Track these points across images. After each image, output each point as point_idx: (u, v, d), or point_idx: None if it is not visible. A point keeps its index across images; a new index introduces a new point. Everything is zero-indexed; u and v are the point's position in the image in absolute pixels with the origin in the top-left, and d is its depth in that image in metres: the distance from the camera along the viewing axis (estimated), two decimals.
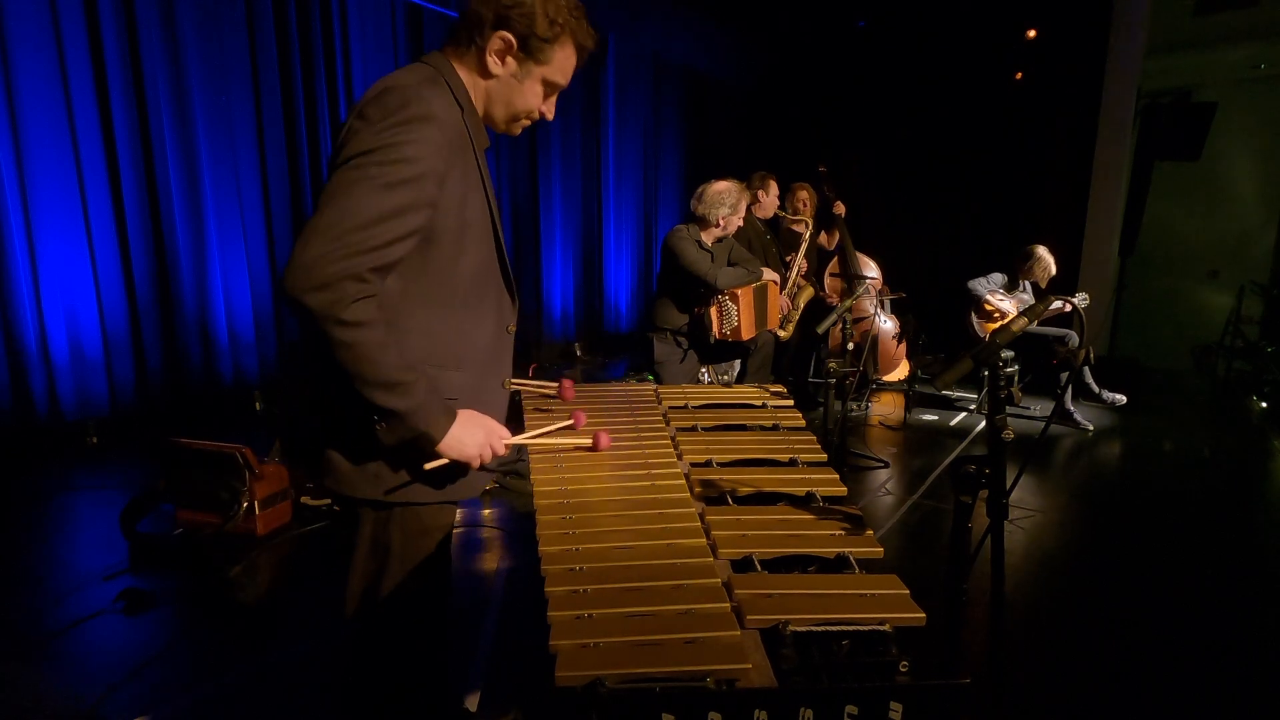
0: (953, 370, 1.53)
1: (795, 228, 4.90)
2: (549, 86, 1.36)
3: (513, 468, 3.76)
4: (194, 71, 4.24)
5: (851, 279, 5.23)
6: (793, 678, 1.03)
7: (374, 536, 1.37)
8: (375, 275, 1.16)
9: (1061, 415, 5.04)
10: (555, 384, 1.93)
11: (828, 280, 5.46)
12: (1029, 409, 5.38)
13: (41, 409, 3.89)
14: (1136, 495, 4.01)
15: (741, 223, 3.82)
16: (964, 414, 5.40)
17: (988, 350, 1.42)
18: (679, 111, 7.86)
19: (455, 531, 3.17)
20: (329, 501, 3.22)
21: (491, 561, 2.95)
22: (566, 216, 6.83)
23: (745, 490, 1.52)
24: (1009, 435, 1.35)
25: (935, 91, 7.65)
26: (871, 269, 5.52)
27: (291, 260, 1.11)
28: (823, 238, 5.31)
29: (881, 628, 1.08)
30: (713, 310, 3.65)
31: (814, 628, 1.08)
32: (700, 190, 3.69)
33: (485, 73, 1.32)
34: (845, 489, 1.54)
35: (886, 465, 4.22)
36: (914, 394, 5.38)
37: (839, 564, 1.29)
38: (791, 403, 2.03)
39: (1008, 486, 1.37)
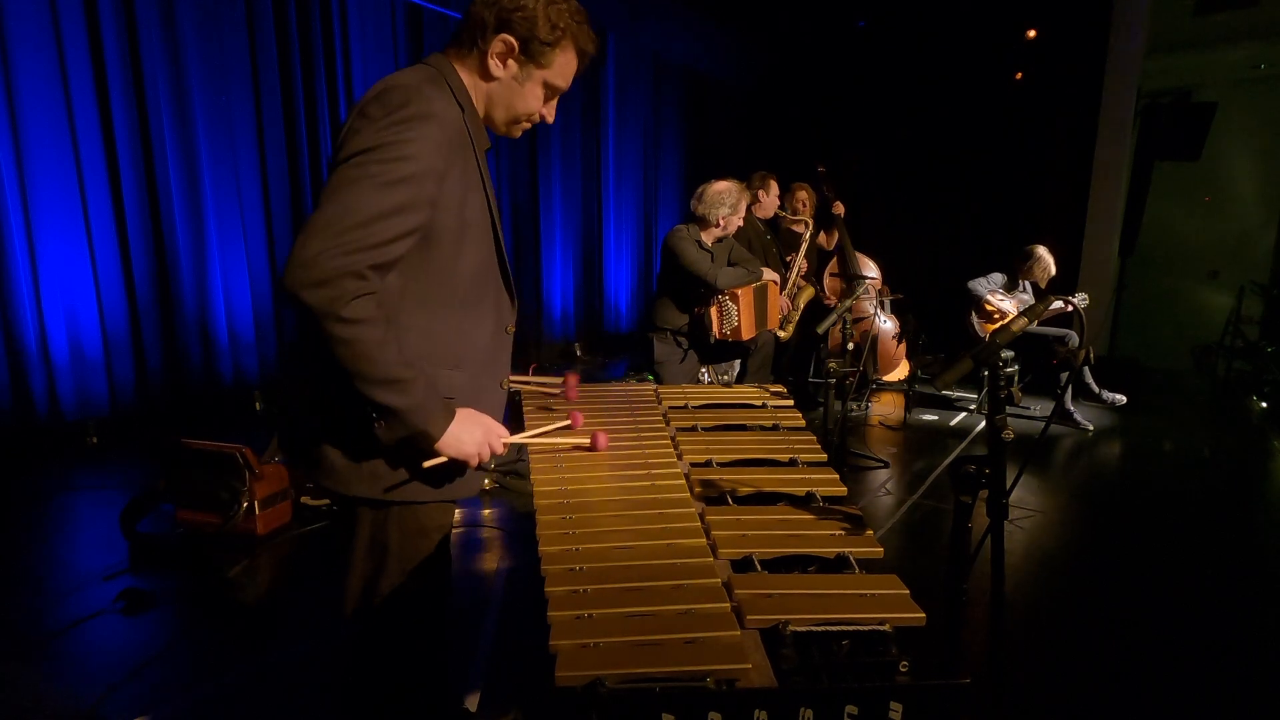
0: (953, 370, 1.53)
1: (795, 228, 4.90)
2: (549, 90, 1.37)
3: (513, 468, 3.76)
4: (194, 71, 4.24)
5: (851, 279, 5.22)
6: (793, 678, 1.03)
7: (372, 536, 1.37)
8: (374, 273, 1.16)
9: (1061, 415, 5.04)
10: (560, 380, 1.93)
11: (827, 280, 5.46)
12: (1029, 409, 5.38)
13: (41, 409, 3.89)
14: (1136, 495, 4.01)
15: (741, 223, 3.82)
16: (964, 414, 5.40)
17: (988, 350, 1.42)
18: (679, 111, 7.86)
19: (455, 531, 3.17)
20: (329, 501, 3.22)
21: (491, 561, 2.95)
22: (566, 216, 6.83)
23: (745, 490, 1.52)
24: (1009, 435, 1.35)
25: (935, 91, 7.65)
26: (871, 269, 5.52)
27: (291, 257, 1.11)
28: (822, 238, 5.31)
29: (881, 628, 1.08)
30: (713, 310, 3.66)
31: (814, 628, 1.08)
32: (700, 190, 3.69)
33: (486, 75, 1.33)
34: (845, 489, 1.54)
35: (886, 465, 4.22)
36: (914, 394, 5.38)
37: (839, 564, 1.29)
38: (791, 403, 2.03)
39: (1008, 486, 1.37)
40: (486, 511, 3.42)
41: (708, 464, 1.65)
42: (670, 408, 1.97)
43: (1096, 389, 5.49)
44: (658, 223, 7.90)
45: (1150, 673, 2.31)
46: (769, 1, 7.50)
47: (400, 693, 1.43)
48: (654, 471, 1.57)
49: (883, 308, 5.66)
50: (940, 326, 6.00)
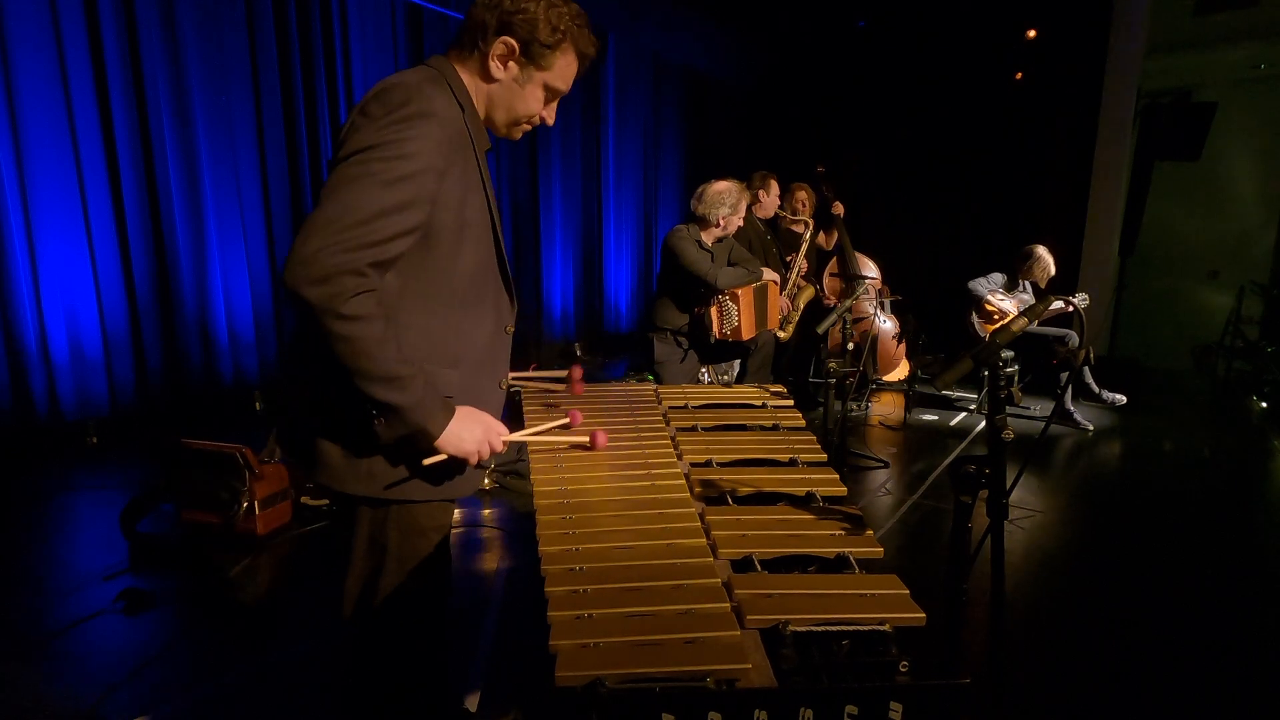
0: (953, 370, 1.53)
1: (795, 228, 4.90)
2: (550, 92, 1.38)
3: (513, 468, 3.76)
4: (194, 71, 4.24)
5: (851, 279, 5.23)
6: (793, 678, 1.03)
7: (371, 535, 1.37)
8: (374, 270, 1.17)
9: (1061, 415, 5.04)
10: (565, 373, 1.92)
11: (827, 280, 5.46)
12: (1029, 409, 5.38)
13: (41, 409, 3.89)
14: (1136, 495, 4.01)
15: (741, 223, 3.82)
16: (964, 414, 5.40)
17: (988, 350, 1.42)
18: (679, 111, 7.86)
19: (455, 531, 3.18)
20: (329, 501, 3.22)
21: (491, 561, 2.95)
22: (566, 216, 6.83)
23: (745, 490, 1.52)
24: (1009, 435, 1.35)
25: (935, 91, 7.64)
26: (871, 269, 5.52)
27: (291, 254, 1.11)
28: (821, 238, 5.32)
29: (881, 628, 1.08)
30: (713, 310, 3.66)
31: (814, 628, 1.08)
32: (700, 190, 3.69)
33: (487, 76, 1.33)
34: (845, 489, 1.54)
35: (886, 465, 4.22)
36: (914, 394, 5.38)
37: (839, 564, 1.29)
38: (791, 403, 2.03)
39: (1008, 486, 1.37)
40: (486, 511, 3.42)
41: (708, 464, 1.65)
42: (670, 408, 1.97)
43: (1096, 389, 5.49)
44: (658, 223, 7.90)
45: (1150, 673, 2.31)
46: (769, 1, 7.50)
47: (400, 693, 1.43)
48: (654, 471, 1.57)
49: (883, 308, 5.66)
50: (940, 326, 6.00)
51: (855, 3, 7.68)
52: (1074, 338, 5.17)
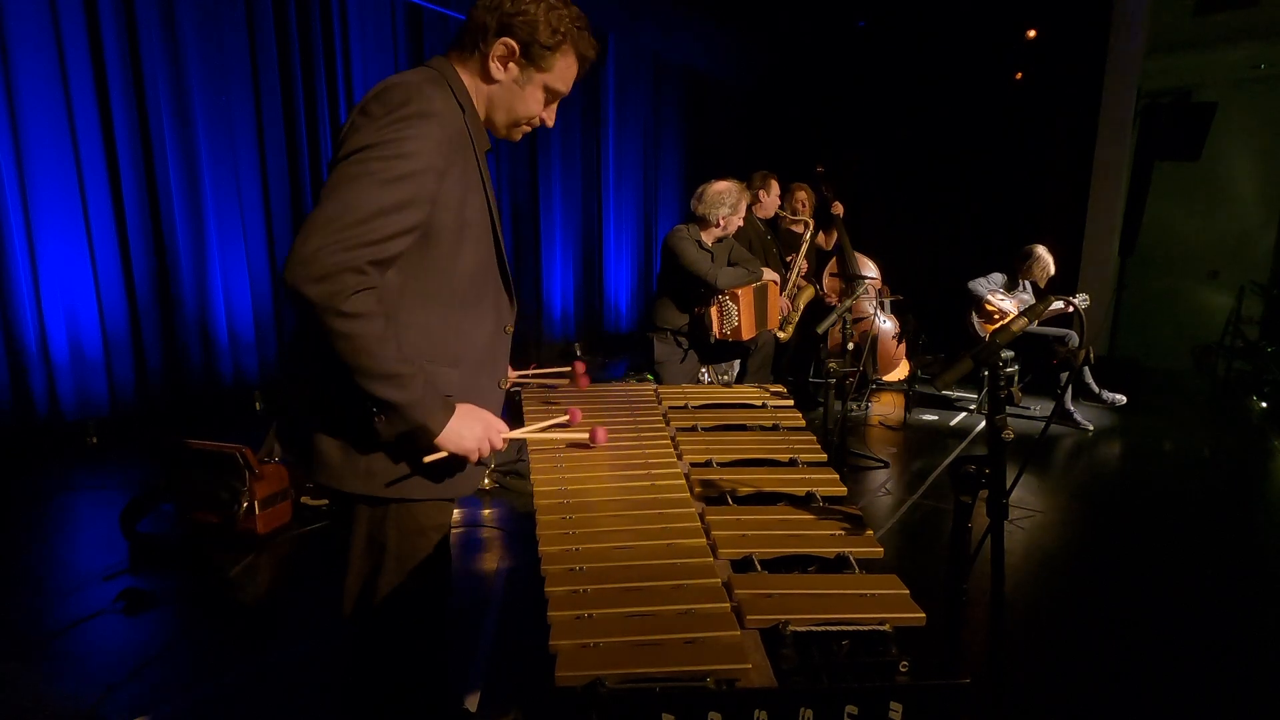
0: (953, 370, 1.53)
1: (794, 228, 4.90)
2: (549, 94, 1.38)
3: (513, 468, 3.76)
4: (194, 71, 4.24)
5: (850, 279, 5.23)
6: (793, 678, 1.03)
7: (370, 535, 1.37)
8: (374, 268, 1.17)
9: (1061, 415, 5.04)
10: (567, 369, 1.93)
11: (826, 280, 5.46)
12: (1029, 409, 5.38)
13: (41, 409, 3.89)
14: (1136, 495, 4.01)
15: (741, 223, 3.82)
16: (964, 414, 5.40)
17: (988, 350, 1.42)
18: (679, 111, 7.86)
19: (455, 531, 3.18)
20: (328, 501, 3.22)
21: (491, 561, 2.95)
22: (566, 216, 6.83)
23: (745, 490, 1.52)
24: (1009, 435, 1.35)
25: (935, 91, 7.64)
26: (870, 269, 5.52)
27: (292, 253, 1.12)
28: (820, 238, 5.31)
29: (881, 628, 1.08)
30: (713, 310, 3.66)
31: (814, 628, 1.08)
32: (700, 190, 3.69)
33: (488, 77, 1.34)
34: (845, 489, 1.54)
35: (886, 465, 4.22)
36: (914, 394, 5.38)
37: (839, 564, 1.29)
38: (791, 403, 2.03)
39: (1008, 486, 1.37)
40: (486, 511, 3.42)
41: (708, 464, 1.65)
42: (670, 408, 1.97)
43: (1096, 389, 5.49)
44: (658, 223, 7.90)
45: (1150, 673, 2.31)
46: (769, 1, 7.50)
47: (400, 692, 1.43)
48: (654, 471, 1.57)
49: (882, 308, 5.66)
50: (940, 326, 6.00)
51: (855, 3, 7.68)
52: (1074, 338, 5.17)
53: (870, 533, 1.36)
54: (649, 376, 3.86)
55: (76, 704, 2.01)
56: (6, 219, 3.67)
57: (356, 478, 1.31)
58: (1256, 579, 3.01)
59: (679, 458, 1.67)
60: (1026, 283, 5.30)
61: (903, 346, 5.72)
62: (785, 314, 4.54)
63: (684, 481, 1.54)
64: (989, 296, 5.25)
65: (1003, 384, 1.39)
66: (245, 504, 2.95)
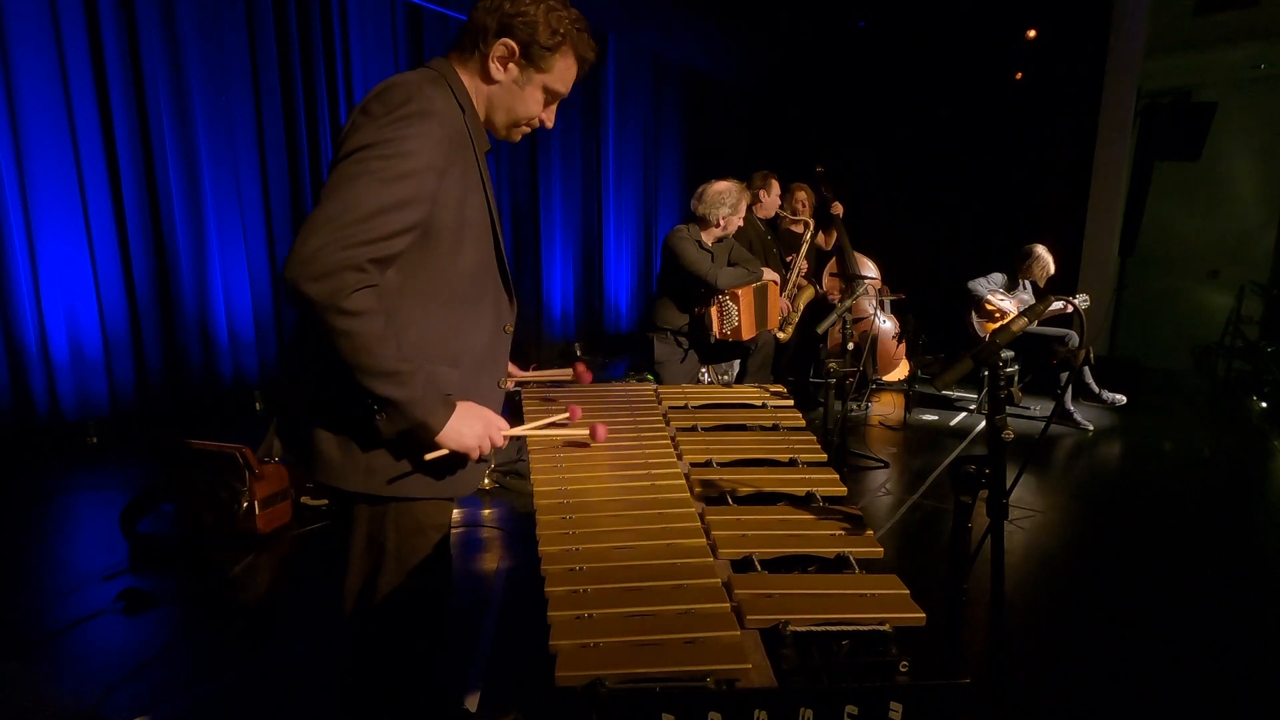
0: (953, 370, 1.53)
1: (794, 228, 4.90)
2: (549, 94, 1.39)
3: (513, 468, 3.77)
4: (194, 71, 4.24)
5: (850, 279, 5.23)
6: (793, 678, 1.03)
7: (369, 534, 1.37)
8: (375, 267, 1.18)
9: (1061, 415, 5.04)
10: (569, 370, 1.93)
11: (826, 280, 5.46)
12: (1029, 409, 5.38)
13: (41, 409, 3.89)
14: (1136, 495, 4.01)
15: (742, 223, 3.82)
16: (964, 414, 5.40)
17: (988, 350, 1.42)
18: (679, 111, 7.86)
19: (455, 531, 3.18)
20: (328, 501, 3.22)
21: (491, 561, 2.95)
22: (566, 216, 6.83)
23: (745, 490, 1.52)
24: (1009, 435, 1.35)
25: (935, 91, 7.64)
26: (870, 269, 5.52)
27: (293, 252, 1.12)
28: (820, 238, 5.31)
29: (881, 628, 1.08)
30: (713, 310, 3.66)
31: (814, 628, 1.08)
32: (700, 190, 3.69)
33: (488, 78, 1.35)
34: (845, 489, 1.54)
35: (886, 465, 4.22)
36: (914, 394, 5.38)
37: (839, 564, 1.29)
38: (791, 403, 2.03)
39: (1008, 486, 1.37)
40: (486, 511, 3.42)
41: (708, 464, 1.65)
42: (670, 408, 1.97)
43: (1096, 389, 5.49)
44: (658, 223, 7.90)
45: (1150, 673, 2.31)
46: (769, 1, 7.50)
47: (400, 692, 1.43)
48: (654, 471, 1.57)
49: (882, 308, 5.66)
50: (940, 326, 6.00)
51: (855, 3, 7.68)
52: (1074, 338, 5.17)
53: (870, 533, 1.36)
54: (649, 376, 3.86)
55: (76, 704, 2.01)
56: (6, 219, 3.67)
57: (357, 476, 1.31)
58: (1256, 579, 3.01)
59: (679, 458, 1.67)
60: (1026, 283, 5.30)
61: (903, 346, 5.72)
62: (785, 314, 4.54)
63: (684, 481, 1.54)
64: (989, 296, 5.25)
65: (1003, 384, 1.40)
66: (245, 504, 2.95)
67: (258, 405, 4.76)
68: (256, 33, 4.49)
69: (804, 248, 4.79)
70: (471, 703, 2.06)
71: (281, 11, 4.61)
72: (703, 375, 3.90)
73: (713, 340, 3.68)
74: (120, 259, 4.12)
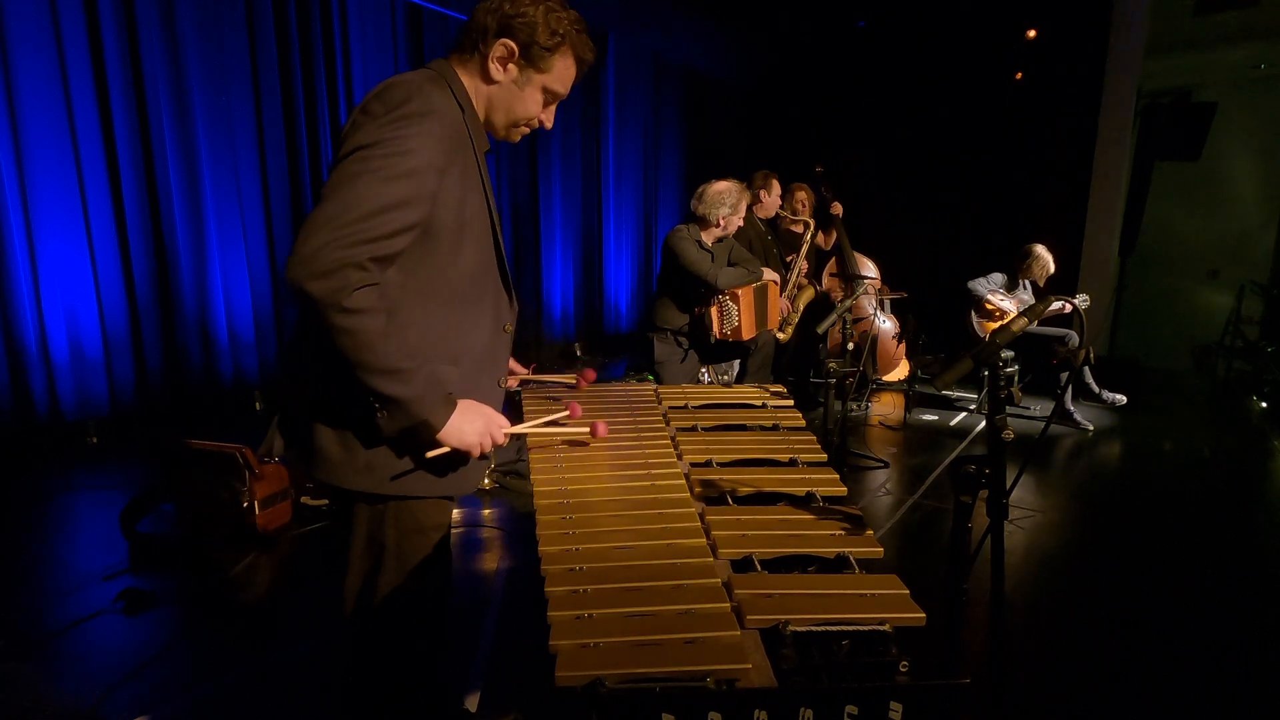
0: (953, 370, 1.53)
1: (794, 228, 4.90)
2: (548, 95, 1.40)
3: (513, 468, 3.77)
4: (194, 71, 4.24)
5: (850, 279, 5.23)
6: (793, 678, 1.03)
7: (369, 534, 1.37)
8: (376, 265, 1.18)
9: (1061, 415, 5.04)
10: (574, 376, 1.94)
11: (825, 280, 5.46)
12: (1029, 409, 5.38)
13: (41, 409, 3.89)
14: (1136, 495, 4.01)
15: (742, 223, 3.82)
16: (964, 414, 5.40)
17: (988, 350, 1.42)
18: (679, 111, 7.86)
19: (455, 531, 3.18)
20: (328, 501, 3.22)
21: (491, 561, 2.95)
22: (566, 216, 6.83)
23: (745, 490, 1.52)
24: (1009, 435, 1.35)
25: (935, 91, 7.64)
26: (870, 269, 5.52)
27: (294, 250, 1.12)
28: (820, 238, 5.31)
29: (881, 628, 1.08)
30: (713, 310, 3.66)
31: (814, 628, 1.08)
32: (700, 190, 3.69)
33: (487, 78, 1.35)
34: (845, 489, 1.54)
35: (886, 465, 4.22)
36: (914, 394, 5.38)
37: (839, 564, 1.29)
38: (791, 403, 2.03)
39: (1008, 486, 1.37)
40: (486, 511, 3.42)
41: (708, 464, 1.65)
42: (670, 408, 1.97)
43: (1096, 389, 5.49)
44: (658, 223, 7.90)
45: (1150, 673, 2.31)
46: (769, 1, 7.50)
47: (400, 692, 1.43)
48: (654, 471, 1.57)
49: (882, 308, 5.66)
50: (940, 326, 6.00)
51: (855, 3, 7.68)
52: (1074, 338, 5.17)
53: (870, 533, 1.36)
54: (649, 376, 3.86)
55: (76, 704, 2.01)
56: (6, 219, 3.67)
57: (357, 474, 1.31)
58: (1256, 579, 3.01)
59: (679, 458, 1.67)
60: (1026, 282, 5.30)
61: (903, 346, 5.72)
62: (785, 314, 4.54)
63: (684, 481, 1.54)
64: (989, 296, 5.25)
65: (1003, 384, 1.39)
66: (245, 504, 2.95)
67: (258, 405, 4.76)
68: (256, 33, 4.49)
69: (804, 248, 4.79)
70: (471, 703, 2.06)
71: (281, 11, 4.61)
72: (703, 375, 3.90)
73: (713, 340, 3.68)
74: (120, 259, 4.12)
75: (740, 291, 3.67)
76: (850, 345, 4.21)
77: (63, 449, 3.94)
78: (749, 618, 1.08)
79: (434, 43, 5.43)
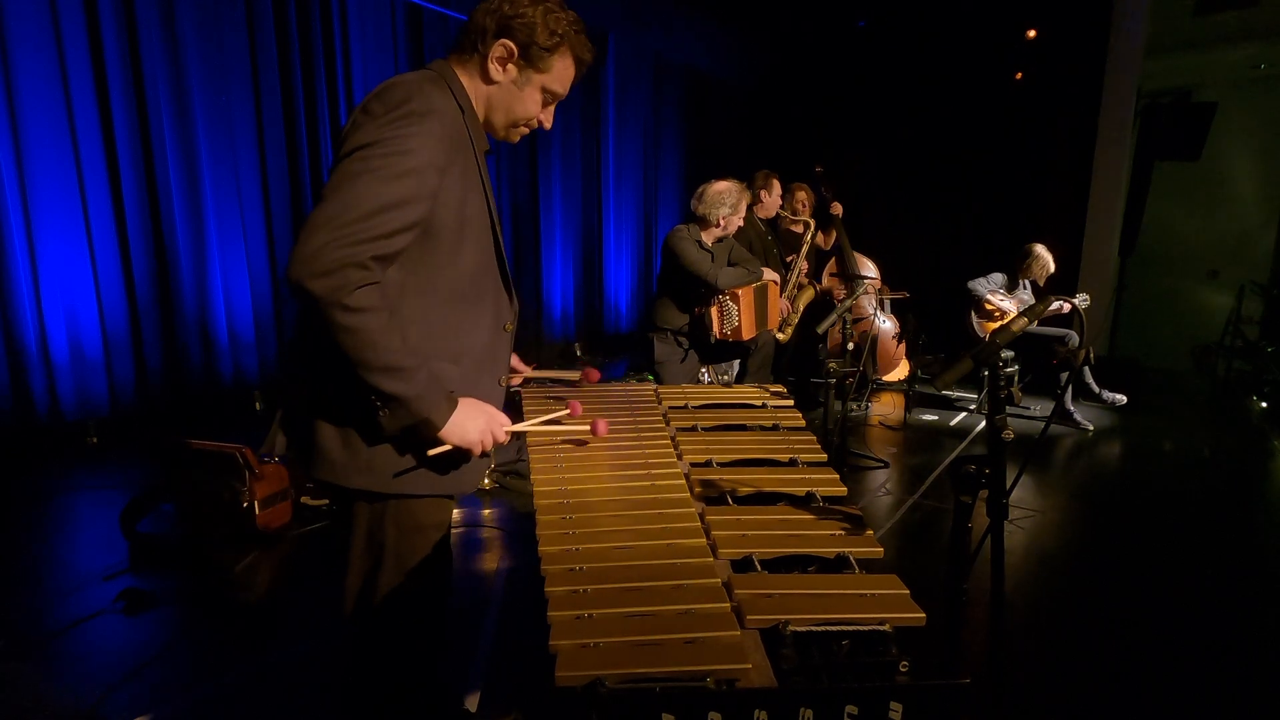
0: (953, 370, 1.53)
1: (794, 228, 4.90)
2: (548, 95, 1.41)
3: (513, 468, 3.77)
4: (194, 71, 4.24)
5: (850, 279, 5.23)
6: (793, 678, 1.03)
7: (369, 533, 1.37)
8: (377, 264, 1.18)
9: (1061, 415, 5.04)
10: (577, 373, 1.94)
11: (825, 280, 5.46)
12: (1029, 409, 5.38)
13: (41, 409, 3.89)
14: (1136, 495, 4.01)
15: (742, 223, 3.82)
16: (964, 414, 5.40)
17: (988, 350, 1.42)
18: (679, 111, 7.86)
19: (455, 531, 3.18)
20: (328, 501, 3.22)
21: (491, 561, 2.95)
22: (566, 216, 6.84)
23: (745, 490, 1.52)
24: (1009, 435, 1.35)
25: (935, 91, 7.64)
26: (870, 269, 5.52)
27: (296, 250, 1.13)
28: (819, 238, 5.31)
29: (881, 628, 1.08)
30: (713, 310, 3.65)
31: (814, 628, 1.08)
32: (701, 190, 3.69)
33: (487, 79, 1.36)
34: (845, 489, 1.54)
35: (886, 465, 4.22)
36: (914, 394, 5.38)
37: (839, 564, 1.29)
38: (791, 403, 2.03)
39: (1008, 486, 1.37)
40: (486, 511, 3.42)
41: (708, 464, 1.65)
42: (670, 408, 1.97)
43: (1096, 389, 5.49)
44: (658, 223, 7.90)
45: (1150, 673, 2.31)
46: (769, 1, 7.50)
47: (400, 692, 1.43)
48: (654, 471, 1.57)
49: (882, 307, 5.66)
50: (940, 326, 6.00)
51: (855, 3, 7.68)
52: (1074, 338, 5.17)
53: (870, 533, 1.36)
54: (649, 376, 3.86)
55: (76, 704, 2.01)
56: (6, 219, 3.67)
57: (358, 473, 1.32)
58: (1256, 579, 3.01)
59: (679, 458, 1.67)
60: (1026, 282, 5.30)
61: (903, 346, 5.72)
62: (785, 315, 4.53)
63: (684, 481, 1.54)
64: (989, 296, 5.25)
65: (1003, 384, 1.39)
66: (245, 504, 2.95)
67: (258, 405, 4.76)
68: (256, 33, 4.49)
69: (804, 248, 4.79)
70: (471, 703, 2.06)
71: (281, 11, 4.61)
72: (703, 375, 3.90)
73: (713, 340, 3.68)
74: (120, 259, 4.12)
75: (740, 291, 3.67)
76: (850, 345, 4.21)
77: (63, 449, 3.94)
78: (749, 618, 1.08)
79: (434, 43, 5.43)
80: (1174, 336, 7.29)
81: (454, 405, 1.29)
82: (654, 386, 2.14)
